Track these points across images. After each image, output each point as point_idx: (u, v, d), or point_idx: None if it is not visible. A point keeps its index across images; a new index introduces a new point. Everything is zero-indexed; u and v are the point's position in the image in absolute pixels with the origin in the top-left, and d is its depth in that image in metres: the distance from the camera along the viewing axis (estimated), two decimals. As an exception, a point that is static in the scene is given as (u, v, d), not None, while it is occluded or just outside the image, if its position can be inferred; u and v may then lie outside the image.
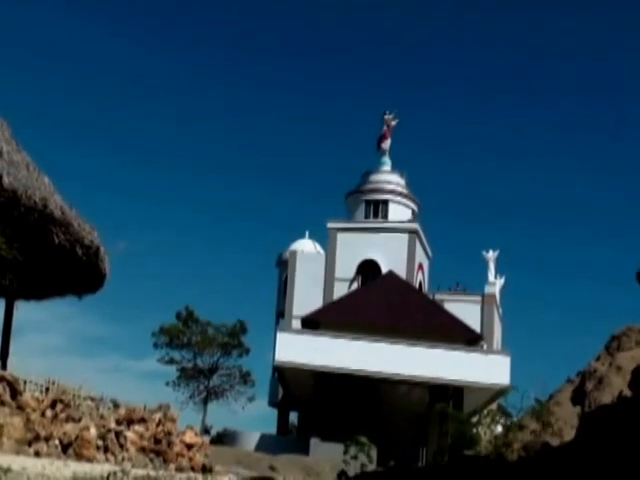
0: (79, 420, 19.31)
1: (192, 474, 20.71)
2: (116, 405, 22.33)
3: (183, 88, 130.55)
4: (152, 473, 15.90)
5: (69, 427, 18.75)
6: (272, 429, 64.72)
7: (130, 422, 21.50)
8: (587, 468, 9.18)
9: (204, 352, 64.32)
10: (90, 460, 18.18)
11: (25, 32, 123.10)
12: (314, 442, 49.57)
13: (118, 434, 20.26)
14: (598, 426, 10.02)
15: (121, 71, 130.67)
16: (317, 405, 52.49)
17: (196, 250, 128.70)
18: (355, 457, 40.28)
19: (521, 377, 72.84)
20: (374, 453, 43.12)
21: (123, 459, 19.38)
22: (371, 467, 40.47)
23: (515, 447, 30.36)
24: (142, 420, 21.97)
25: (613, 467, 8.98)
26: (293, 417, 66.26)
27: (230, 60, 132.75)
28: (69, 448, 18.44)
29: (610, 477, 9.00)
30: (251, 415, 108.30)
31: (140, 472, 15.80)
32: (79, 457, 18.16)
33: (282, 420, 65.49)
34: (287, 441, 54.87)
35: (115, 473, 14.45)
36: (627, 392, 15.20)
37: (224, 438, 57.68)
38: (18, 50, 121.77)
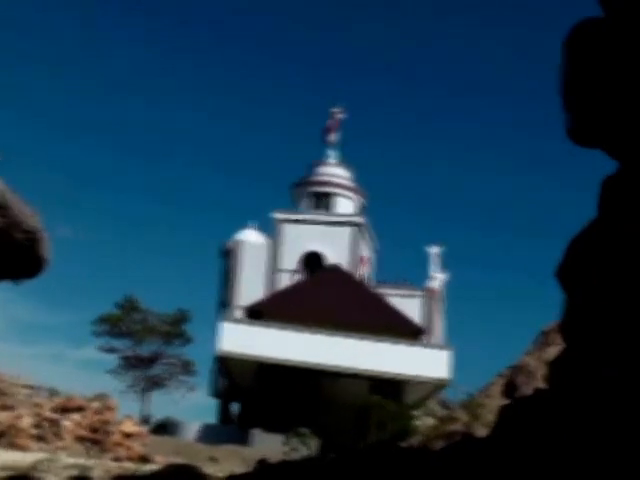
0: (13, 408, 19.02)
1: (126, 464, 20.50)
2: (53, 393, 22.03)
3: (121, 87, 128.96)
4: (81, 462, 15.66)
5: (3, 416, 18.46)
6: (213, 419, 64.47)
7: (67, 411, 21.23)
8: (499, 459, 9.29)
9: (145, 341, 63.82)
10: (24, 449, 17.92)
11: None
12: (255, 433, 49.46)
13: (54, 423, 19.99)
14: (512, 418, 10.17)
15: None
16: (259, 396, 52.40)
17: (140, 238, 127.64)
18: (296, 448, 40.27)
19: (464, 371, 73.12)
20: (315, 445, 43.19)
21: (59, 448, 19.12)
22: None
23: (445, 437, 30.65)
24: (79, 409, 21.72)
25: (524, 459, 9.11)
26: (235, 408, 66.02)
27: (178, 49, 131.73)
28: (2, 437, 18.16)
29: (520, 469, 9.13)
30: (192, 405, 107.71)
31: (70, 461, 15.56)
32: (12, 446, 17.88)
33: (223, 410, 65.21)
34: (228, 432, 54.59)
35: (43, 462, 14.18)
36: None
37: (164, 428, 57.27)
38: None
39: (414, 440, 39.81)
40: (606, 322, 8.78)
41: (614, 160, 9.60)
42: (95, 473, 14.39)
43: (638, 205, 8.83)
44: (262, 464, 14.42)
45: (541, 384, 36.20)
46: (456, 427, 35.08)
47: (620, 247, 8.91)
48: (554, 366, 9.99)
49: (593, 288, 9.19)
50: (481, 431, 29.61)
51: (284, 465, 11.84)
